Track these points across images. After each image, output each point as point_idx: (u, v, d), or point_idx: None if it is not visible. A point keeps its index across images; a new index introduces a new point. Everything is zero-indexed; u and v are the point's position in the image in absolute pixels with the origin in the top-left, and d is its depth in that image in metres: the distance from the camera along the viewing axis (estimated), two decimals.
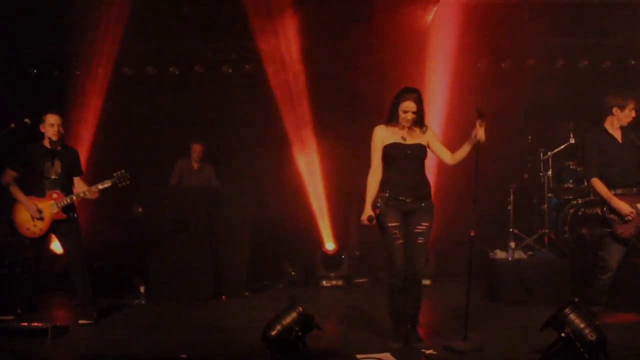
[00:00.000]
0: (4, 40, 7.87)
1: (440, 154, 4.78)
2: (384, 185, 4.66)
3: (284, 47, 7.80)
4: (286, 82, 7.92)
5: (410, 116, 4.59)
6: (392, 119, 4.69)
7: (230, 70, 8.46)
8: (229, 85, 8.51)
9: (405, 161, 4.65)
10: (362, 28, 7.71)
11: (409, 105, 4.58)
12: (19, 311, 5.70)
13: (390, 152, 4.65)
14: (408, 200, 4.63)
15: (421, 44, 7.96)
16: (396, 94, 4.70)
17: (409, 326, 4.74)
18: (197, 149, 7.76)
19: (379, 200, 4.62)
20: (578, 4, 7.31)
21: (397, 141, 4.64)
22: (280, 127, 8.02)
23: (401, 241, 4.59)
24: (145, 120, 8.43)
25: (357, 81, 8.14)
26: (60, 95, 7.96)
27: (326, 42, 8.01)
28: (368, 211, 4.60)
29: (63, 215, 5.46)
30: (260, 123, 8.33)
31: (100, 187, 5.48)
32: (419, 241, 4.64)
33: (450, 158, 4.74)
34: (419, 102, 4.64)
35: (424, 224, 4.66)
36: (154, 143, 8.34)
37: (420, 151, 4.69)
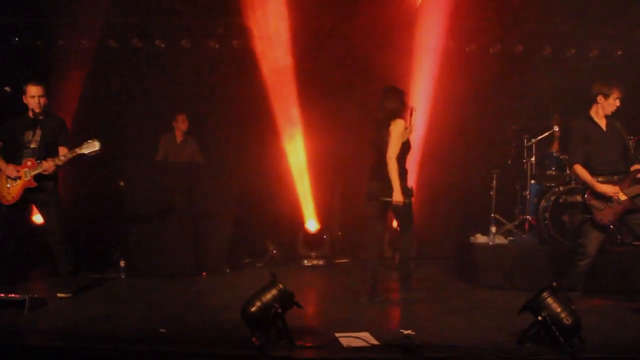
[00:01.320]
0: None
1: None
2: (402, 174, 5.41)
3: (271, 24, 7.72)
4: (273, 60, 7.86)
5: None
6: (403, 115, 5.52)
7: (216, 46, 8.37)
8: (215, 60, 8.42)
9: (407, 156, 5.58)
10: (352, 6, 7.64)
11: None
12: None
13: (407, 149, 5.52)
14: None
15: (410, 26, 7.92)
16: (403, 94, 5.58)
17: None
18: (181, 118, 7.71)
19: (408, 190, 5.46)
20: None
21: (408, 139, 5.52)
22: (266, 105, 7.97)
23: None
24: (130, 94, 8.33)
25: (345, 61, 8.11)
26: (42, 66, 7.84)
27: (314, 21, 7.93)
28: (400, 193, 5.35)
29: (33, 184, 5.39)
30: (246, 100, 8.26)
31: (70, 155, 5.35)
32: None
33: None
34: None
35: None
36: (138, 117, 8.26)
37: None
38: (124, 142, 8.04)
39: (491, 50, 8.36)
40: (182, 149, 7.74)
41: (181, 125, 7.71)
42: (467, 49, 8.35)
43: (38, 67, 7.73)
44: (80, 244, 7.29)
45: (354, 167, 8.16)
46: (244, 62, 8.08)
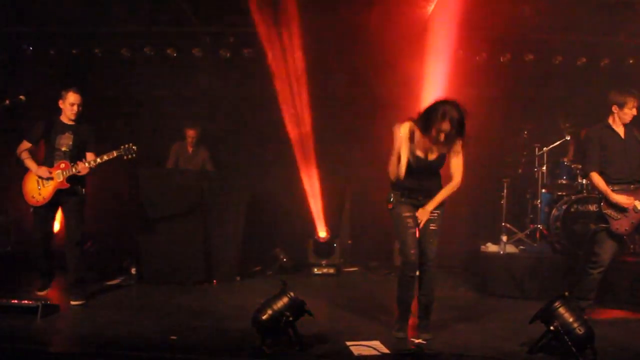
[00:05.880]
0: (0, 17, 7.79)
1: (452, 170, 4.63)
2: (398, 184, 4.56)
3: (282, 32, 7.76)
4: (284, 68, 7.89)
5: (442, 137, 4.34)
6: (425, 130, 4.38)
7: (228, 54, 8.42)
8: (227, 69, 8.47)
9: (424, 171, 4.57)
10: (363, 15, 7.66)
11: (445, 126, 4.29)
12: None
13: (413, 165, 4.48)
14: (419, 198, 4.60)
15: (420, 35, 7.93)
16: (434, 106, 4.35)
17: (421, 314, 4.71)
18: (190, 133, 7.79)
19: (392, 196, 4.61)
20: (578, 0, 7.29)
21: (420, 156, 4.51)
22: (277, 113, 8.00)
23: (413, 230, 4.56)
24: (141, 102, 8.38)
25: (356, 69, 8.13)
26: (55, 74, 7.92)
27: (325, 30, 7.97)
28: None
29: (66, 185, 5.50)
30: (257, 108, 8.30)
31: (106, 157, 5.52)
32: (431, 227, 4.59)
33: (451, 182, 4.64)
34: (458, 115, 4.37)
35: (435, 212, 4.59)
36: (150, 125, 8.30)
37: (440, 162, 4.60)
38: (136, 149, 8.07)
39: (501, 59, 8.34)
40: (193, 159, 7.79)
41: (188, 140, 7.81)
42: (477, 58, 8.35)
43: (51, 75, 7.81)
44: (91, 251, 7.32)
45: (364, 176, 8.18)
46: (255, 70, 8.12)
